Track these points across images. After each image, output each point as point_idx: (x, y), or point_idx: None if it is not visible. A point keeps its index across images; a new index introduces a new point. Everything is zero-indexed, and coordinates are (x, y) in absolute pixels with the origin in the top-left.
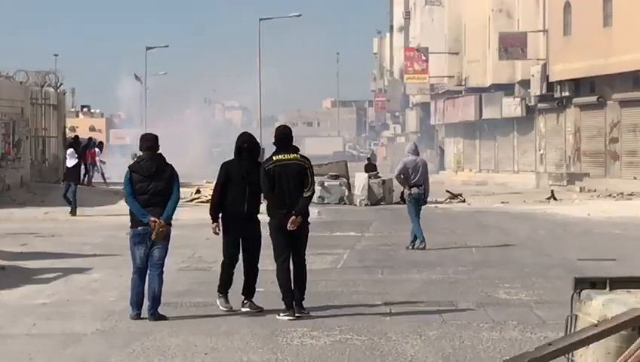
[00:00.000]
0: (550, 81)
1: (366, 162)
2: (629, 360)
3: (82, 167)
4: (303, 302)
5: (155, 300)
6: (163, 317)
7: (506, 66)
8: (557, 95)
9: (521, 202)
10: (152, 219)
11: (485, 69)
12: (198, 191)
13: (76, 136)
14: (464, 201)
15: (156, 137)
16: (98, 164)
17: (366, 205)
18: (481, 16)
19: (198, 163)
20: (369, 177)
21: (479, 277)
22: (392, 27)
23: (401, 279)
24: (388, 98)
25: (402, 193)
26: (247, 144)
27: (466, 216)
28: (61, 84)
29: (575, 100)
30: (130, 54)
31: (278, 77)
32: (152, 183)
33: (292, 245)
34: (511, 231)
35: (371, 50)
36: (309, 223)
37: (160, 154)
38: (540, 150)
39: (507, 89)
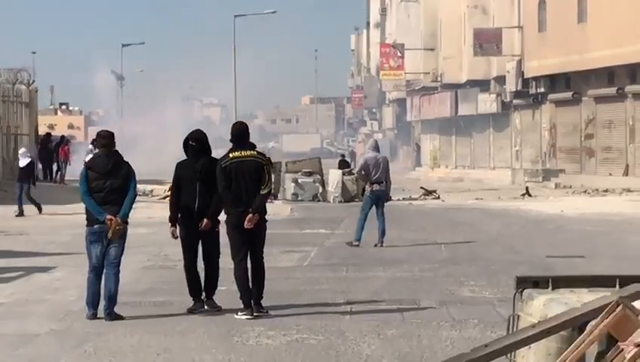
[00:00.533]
0: (525, 77)
1: (339, 158)
2: (567, 361)
3: (55, 164)
4: (262, 300)
5: (112, 300)
6: (119, 317)
7: (481, 62)
8: (532, 91)
9: (496, 199)
10: (109, 217)
11: (461, 65)
12: (171, 189)
13: (48, 134)
14: (438, 198)
15: (112, 134)
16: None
17: (340, 202)
18: (457, 12)
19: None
20: (343, 174)
21: (445, 275)
22: (368, 23)
23: (365, 277)
24: (365, 94)
25: (363, 189)
26: (192, 141)
27: (438, 213)
28: (33, 81)
29: (550, 96)
30: (106, 51)
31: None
32: (109, 181)
33: (250, 243)
34: (483, 227)
35: (349, 46)
36: (266, 221)
37: (116, 151)
38: (515, 146)
39: (483, 85)
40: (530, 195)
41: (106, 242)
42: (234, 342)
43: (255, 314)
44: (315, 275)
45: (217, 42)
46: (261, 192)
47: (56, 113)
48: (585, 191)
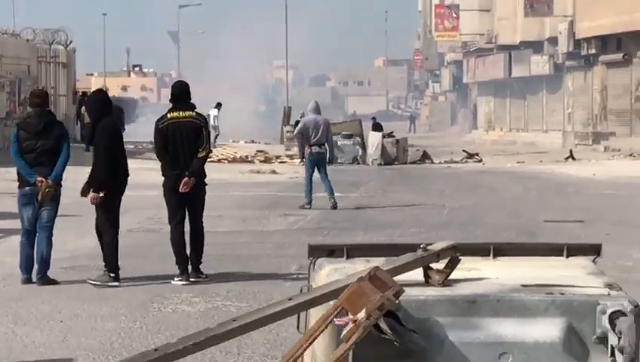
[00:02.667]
0: (577, 38)
1: (372, 121)
2: (313, 336)
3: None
4: (201, 265)
5: (44, 263)
6: (53, 282)
7: (535, 23)
8: (584, 53)
9: (537, 162)
10: (39, 179)
11: (515, 27)
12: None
13: (84, 93)
14: (480, 161)
15: (46, 93)
16: None
17: (379, 165)
18: None
19: (241, 121)
20: (383, 136)
21: (423, 240)
22: None
23: (341, 241)
24: (425, 56)
25: (303, 152)
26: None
27: (468, 176)
28: (71, 41)
29: (602, 58)
30: (163, 13)
31: (328, 36)
32: (40, 141)
33: (187, 207)
34: (501, 191)
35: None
36: (206, 184)
37: (49, 111)
38: (568, 109)
39: (536, 47)
40: (573, 158)
41: (38, 204)
42: (149, 309)
43: (192, 279)
44: (289, 239)
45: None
46: (198, 155)
47: (129, 75)
48: (631, 155)
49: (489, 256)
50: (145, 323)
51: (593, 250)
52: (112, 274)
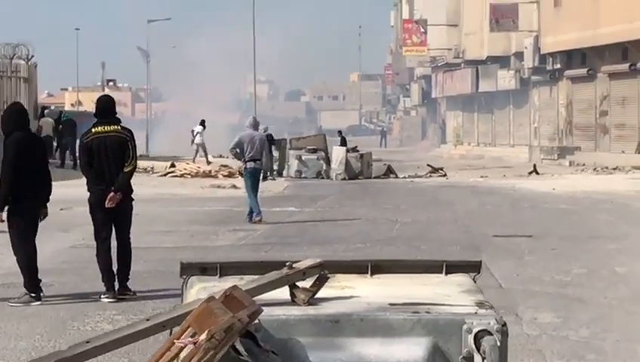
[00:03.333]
0: (542, 53)
1: (339, 135)
2: (160, 359)
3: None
4: (129, 282)
5: None
6: None
7: (501, 38)
8: (549, 67)
9: (501, 176)
10: None
11: (482, 42)
12: (172, 165)
13: (43, 108)
14: (444, 176)
15: None
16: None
17: (343, 179)
18: None
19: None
20: (347, 151)
21: (366, 255)
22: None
23: (283, 257)
24: (396, 71)
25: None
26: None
27: (428, 191)
28: (32, 56)
29: (567, 73)
30: (131, 27)
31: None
32: None
33: (114, 223)
34: (459, 205)
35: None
36: (132, 199)
37: None
38: (534, 123)
39: (503, 61)
40: (537, 173)
41: None
42: (69, 328)
43: (119, 296)
44: (231, 256)
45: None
46: (124, 170)
47: (103, 89)
48: (594, 169)
49: (367, 273)
50: (59, 342)
51: (473, 267)
52: (32, 294)
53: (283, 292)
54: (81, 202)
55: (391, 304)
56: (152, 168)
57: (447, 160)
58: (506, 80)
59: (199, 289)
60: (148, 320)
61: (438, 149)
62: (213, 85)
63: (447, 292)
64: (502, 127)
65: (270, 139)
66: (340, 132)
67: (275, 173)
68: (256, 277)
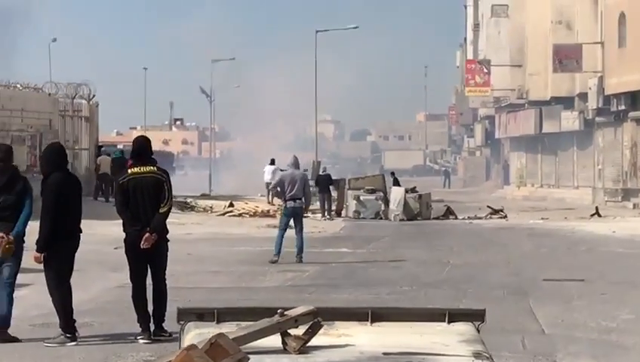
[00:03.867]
0: (606, 94)
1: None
2: None
3: None
4: (165, 323)
5: (3, 321)
6: (13, 339)
7: (565, 79)
8: (613, 108)
9: (562, 219)
10: (0, 234)
11: (546, 82)
12: (231, 205)
13: (99, 146)
14: (504, 217)
15: (8, 148)
16: None
17: (401, 220)
18: (542, 27)
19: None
20: (406, 191)
21: (410, 299)
22: (465, 40)
23: (326, 299)
24: (461, 111)
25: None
26: None
27: (485, 233)
28: (93, 95)
29: (631, 114)
30: (195, 67)
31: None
32: (2, 196)
33: (150, 264)
34: (514, 248)
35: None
36: (168, 240)
37: (13, 166)
38: (598, 165)
39: (567, 102)
40: (599, 215)
41: None
42: None
43: (154, 337)
44: (274, 296)
45: (307, 58)
46: (160, 211)
47: (170, 128)
48: None
49: (367, 320)
50: None
51: (477, 316)
52: (67, 335)
53: (277, 340)
54: None
55: (385, 353)
56: (212, 207)
57: (510, 201)
58: (569, 121)
59: (195, 335)
60: None
61: (502, 190)
62: (279, 124)
63: (446, 342)
64: (565, 169)
65: (328, 179)
66: (392, 173)
67: (333, 213)
68: (250, 323)
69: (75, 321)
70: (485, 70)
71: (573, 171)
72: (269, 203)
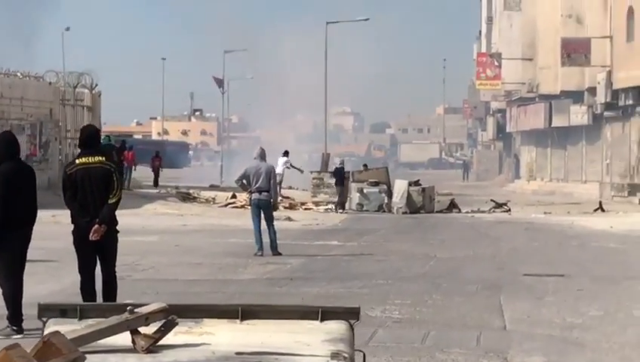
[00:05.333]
0: (614, 88)
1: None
2: None
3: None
4: None
5: None
6: None
7: (575, 73)
8: (621, 103)
9: (565, 213)
10: None
11: (557, 76)
12: (234, 196)
13: (107, 137)
14: (508, 211)
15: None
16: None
17: (404, 213)
18: (553, 21)
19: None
20: (409, 184)
21: (381, 292)
22: (480, 33)
23: (296, 293)
24: (474, 105)
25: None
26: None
27: (482, 227)
28: (96, 85)
29: (639, 109)
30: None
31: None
32: None
33: (99, 256)
34: (505, 242)
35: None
36: (117, 231)
37: None
38: (606, 160)
39: (576, 96)
40: (602, 210)
41: None
42: None
43: None
44: (245, 289)
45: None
46: (109, 201)
47: (189, 119)
48: None
49: (237, 318)
50: None
51: (352, 314)
52: (14, 327)
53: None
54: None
55: (237, 353)
56: (214, 198)
57: (519, 195)
58: (578, 115)
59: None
60: None
61: (512, 184)
62: (297, 116)
63: (309, 341)
64: (574, 163)
65: (342, 172)
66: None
67: (337, 205)
68: (99, 321)
69: (22, 314)
70: (496, 63)
71: (582, 166)
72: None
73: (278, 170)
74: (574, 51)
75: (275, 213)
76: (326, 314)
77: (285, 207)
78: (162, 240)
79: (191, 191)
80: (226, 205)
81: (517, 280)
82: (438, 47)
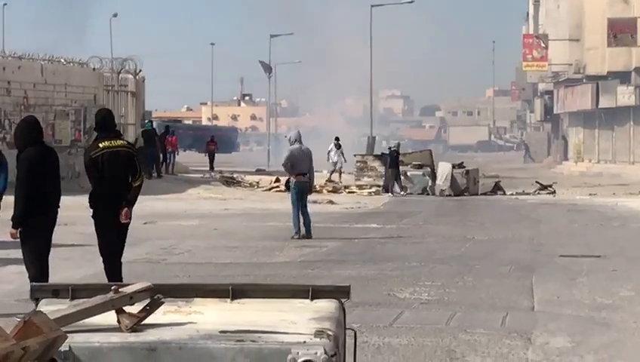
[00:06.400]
0: None
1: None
2: None
3: (161, 154)
4: None
5: None
6: None
7: (622, 53)
8: None
9: (611, 194)
10: None
11: (604, 56)
12: (277, 180)
13: (150, 122)
14: (553, 193)
15: None
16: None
17: (448, 195)
18: (600, 2)
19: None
20: (453, 167)
21: (413, 275)
22: (528, 14)
23: (328, 275)
24: (522, 87)
25: (287, 181)
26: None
27: (525, 209)
28: (140, 70)
29: None
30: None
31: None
32: None
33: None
34: (546, 224)
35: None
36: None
37: None
38: None
39: (624, 77)
40: None
41: None
42: None
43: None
44: (278, 272)
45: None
46: (134, 184)
47: (239, 104)
48: None
49: (228, 297)
50: None
51: (343, 293)
52: None
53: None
54: (173, 215)
55: (221, 331)
56: (258, 183)
57: (566, 177)
58: (625, 96)
59: (47, 313)
60: None
61: (560, 166)
62: (347, 99)
63: (296, 319)
64: (622, 144)
65: (396, 155)
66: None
67: (383, 188)
68: (83, 301)
69: None
70: (543, 45)
71: (630, 147)
72: (328, 181)
73: (335, 158)
74: (621, 31)
75: (318, 197)
76: (317, 292)
77: (329, 191)
78: (202, 224)
79: (235, 175)
80: (270, 189)
81: (552, 261)
82: (487, 28)
